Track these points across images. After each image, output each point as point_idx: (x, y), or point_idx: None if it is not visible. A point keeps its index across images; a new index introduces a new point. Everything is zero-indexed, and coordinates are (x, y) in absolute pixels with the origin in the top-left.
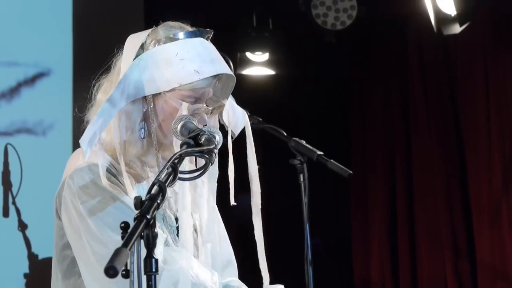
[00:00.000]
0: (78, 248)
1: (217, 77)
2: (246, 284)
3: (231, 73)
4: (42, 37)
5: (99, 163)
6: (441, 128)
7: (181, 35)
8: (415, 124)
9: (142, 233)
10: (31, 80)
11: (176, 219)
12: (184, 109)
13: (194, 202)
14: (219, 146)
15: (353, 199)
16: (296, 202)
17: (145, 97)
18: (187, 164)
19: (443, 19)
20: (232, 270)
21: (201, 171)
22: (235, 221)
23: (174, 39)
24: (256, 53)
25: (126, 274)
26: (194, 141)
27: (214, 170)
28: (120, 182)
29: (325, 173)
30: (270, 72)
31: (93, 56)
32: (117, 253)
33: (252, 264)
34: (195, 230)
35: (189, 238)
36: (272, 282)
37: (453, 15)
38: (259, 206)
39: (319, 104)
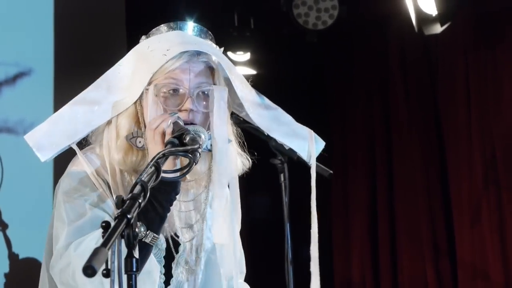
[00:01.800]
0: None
1: (197, 58)
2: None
3: (209, 50)
4: (23, 37)
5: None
6: (422, 127)
7: (157, 31)
8: (396, 123)
9: (123, 233)
10: (12, 80)
11: (167, 240)
12: (151, 91)
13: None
14: (204, 146)
15: (334, 199)
16: (277, 201)
17: (135, 103)
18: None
19: (424, 19)
20: (241, 277)
21: (185, 170)
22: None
23: (150, 35)
24: (238, 52)
25: (107, 274)
26: (179, 141)
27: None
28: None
29: (305, 173)
30: (252, 71)
31: (74, 55)
32: (95, 252)
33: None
34: (196, 249)
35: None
36: (253, 281)
37: (434, 15)
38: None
39: (300, 104)
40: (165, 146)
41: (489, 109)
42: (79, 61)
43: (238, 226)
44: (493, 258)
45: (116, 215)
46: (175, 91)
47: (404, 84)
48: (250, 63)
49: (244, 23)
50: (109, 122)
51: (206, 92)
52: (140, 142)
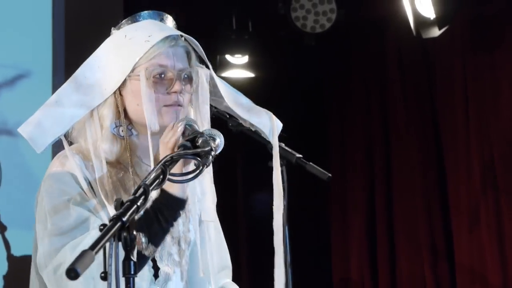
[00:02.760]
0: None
1: (177, 45)
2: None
3: (187, 35)
4: (21, 38)
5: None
6: (420, 130)
7: (128, 21)
8: (394, 126)
9: (120, 236)
10: (11, 82)
11: None
12: (142, 76)
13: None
14: (219, 150)
15: (332, 201)
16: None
17: (114, 92)
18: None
19: (422, 23)
20: (227, 273)
21: (194, 174)
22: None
23: (123, 25)
24: (236, 55)
25: (105, 277)
26: (192, 143)
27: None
28: (92, 188)
29: (304, 175)
30: (250, 74)
31: (72, 57)
32: (81, 255)
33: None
34: (178, 241)
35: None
36: (251, 284)
37: (432, 18)
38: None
39: (298, 107)
40: (178, 149)
41: (487, 112)
42: (78, 63)
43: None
44: (491, 261)
45: (111, 218)
46: (163, 74)
47: (402, 87)
48: (248, 66)
49: (242, 26)
50: (90, 115)
51: (188, 75)
52: (122, 131)
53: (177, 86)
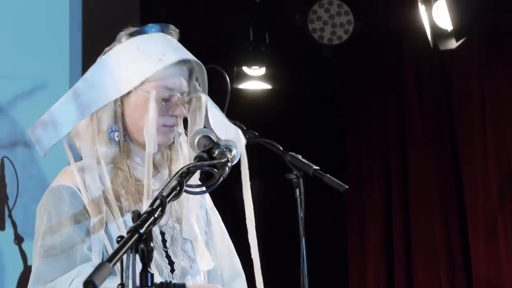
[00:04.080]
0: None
1: (186, 67)
2: None
3: (197, 60)
4: (38, 48)
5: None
6: (437, 142)
7: (141, 31)
8: (411, 138)
9: (138, 247)
10: (28, 92)
11: (161, 233)
12: (152, 96)
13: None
14: (236, 160)
15: (348, 214)
16: (292, 216)
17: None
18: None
19: (440, 34)
20: (241, 282)
21: (211, 184)
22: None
23: (134, 34)
24: (253, 67)
25: None
26: (208, 155)
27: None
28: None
29: (321, 187)
30: (267, 86)
31: (89, 67)
32: (99, 267)
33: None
34: (191, 242)
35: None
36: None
37: (449, 30)
38: (254, 224)
39: (315, 118)
40: (194, 160)
41: (505, 123)
42: None
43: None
44: (508, 273)
45: (128, 230)
46: (169, 98)
47: (419, 98)
48: (265, 77)
49: (259, 38)
50: (91, 118)
51: (188, 100)
52: (116, 136)
53: (179, 111)
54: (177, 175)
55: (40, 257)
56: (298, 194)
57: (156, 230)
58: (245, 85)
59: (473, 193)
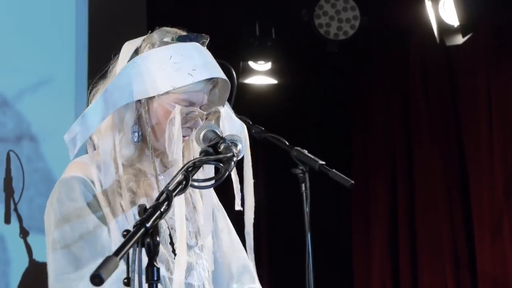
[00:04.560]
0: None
1: (211, 81)
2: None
3: (226, 78)
4: (44, 45)
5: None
6: (443, 138)
7: (175, 39)
8: (416, 134)
9: (144, 241)
10: (33, 87)
11: (170, 228)
12: (177, 112)
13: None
14: (241, 155)
15: (354, 210)
16: (298, 211)
17: (139, 100)
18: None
19: (446, 30)
20: (249, 276)
21: (216, 179)
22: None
23: (168, 43)
24: (259, 62)
25: (127, 282)
26: (214, 149)
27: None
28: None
29: (327, 182)
30: (273, 81)
31: (95, 64)
32: (105, 261)
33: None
34: (195, 235)
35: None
36: (272, 283)
37: (455, 25)
38: (252, 221)
39: (321, 114)
40: (200, 155)
41: (511, 120)
42: (101, 70)
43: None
44: None
45: (135, 224)
46: (190, 112)
47: (425, 94)
48: (271, 72)
49: (265, 33)
50: (112, 119)
51: (208, 114)
52: (136, 137)
53: (196, 125)
54: (183, 169)
55: (58, 248)
56: (303, 189)
57: (164, 225)
58: (251, 80)
59: (478, 190)
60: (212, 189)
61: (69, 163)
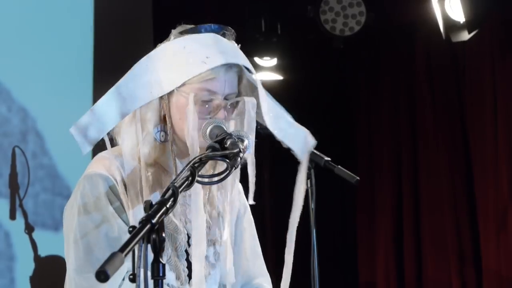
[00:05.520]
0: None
1: (234, 70)
2: None
3: (244, 63)
4: (48, 41)
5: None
6: (448, 134)
7: (191, 31)
8: (422, 131)
9: (150, 237)
10: (39, 83)
11: (188, 235)
12: (191, 100)
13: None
14: (248, 151)
15: (359, 205)
16: (303, 207)
17: (161, 97)
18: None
19: (452, 26)
20: (266, 280)
21: (223, 175)
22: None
23: (183, 34)
24: (264, 58)
25: (133, 279)
26: (220, 145)
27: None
28: (130, 195)
29: (332, 179)
30: (278, 77)
31: (100, 59)
32: (111, 257)
33: None
34: (213, 243)
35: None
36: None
37: (461, 22)
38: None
39: (326, 110)
40: (206, 150)
41: None
42: (105, 66)
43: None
44: None
45: (140, 220)
46: (210, 101)
47: (431, 91)
48: (277, 68)
49: (271, 29)
50: (134, 116)
51: (233, 104)
52: (162, 136)
53: (220, 114)
54: (189, 165)
55: (79, 242)
56: (309, 185)
57: (183, 232)
58: (256, 76)
59: (483, 185)
60: (241, 192)
61: (86, 158)
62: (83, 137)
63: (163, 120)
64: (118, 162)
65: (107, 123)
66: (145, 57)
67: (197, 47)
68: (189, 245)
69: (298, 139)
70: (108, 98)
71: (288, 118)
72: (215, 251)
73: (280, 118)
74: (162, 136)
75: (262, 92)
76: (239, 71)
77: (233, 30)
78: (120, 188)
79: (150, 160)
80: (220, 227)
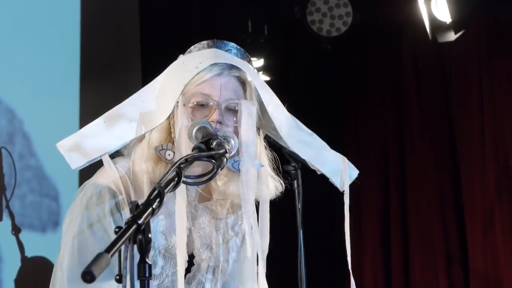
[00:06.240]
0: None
1: (230, 74)
2: None
3: (237, 64)
4: (36, 41)
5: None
6: (435, 135)
7: (194, 49)
8: (409, 131)
9: (136, 238)
10: (26, 83)
11: (190, 256)
12: (180, 103)
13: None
14: (233, 152)
15: None
16: (290, 208)
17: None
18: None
19: (438, 27)
20: None
21: (208, 176)
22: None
23: (190, 52)
24: (251, 59)
25: (119, 279)
26: (206, 146)
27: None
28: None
29: (319, 179)
30: (265, 78)
31: (87, 61)
32: (97, 258)
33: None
34: (213, 270)
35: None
36: None
37: (448, 22)
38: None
39: (313, 111)
40: (192, 151)
41: (503, 117)
42: (92, 68)
43: (265, 251)
44: (506, 267)
45: (127, 221)
46: (205, 104)
47: (418, 91)
48: (264, 69)
49: (257, 30)
50: (142, 136)
51: (230, 107)
52: (169, 155)
53: (215, 116)
54: (175, 166)
55: (76, 261)
56: (296, 185)
57: (186, 256)
58: None
59: (470, 185)
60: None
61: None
62: (71, 155)
63: (171, 140)
64: (126, 176)
65: (107, 147)
66: (153, 81)
67: (193, 59)
68: (187, 269)
69: (333, 165)
70: (111, 122)
71: (319, 141)
72: (213, 278)
73: (306, 138)
74: (169, 155)
75: (272, 104)
76: (241, 78)
77: (236, 48)
78: (124, 205)
79: (155, 178)
80: (224, 255)
